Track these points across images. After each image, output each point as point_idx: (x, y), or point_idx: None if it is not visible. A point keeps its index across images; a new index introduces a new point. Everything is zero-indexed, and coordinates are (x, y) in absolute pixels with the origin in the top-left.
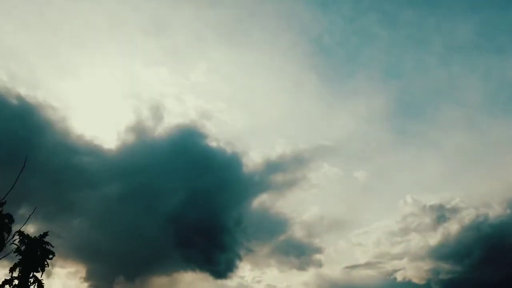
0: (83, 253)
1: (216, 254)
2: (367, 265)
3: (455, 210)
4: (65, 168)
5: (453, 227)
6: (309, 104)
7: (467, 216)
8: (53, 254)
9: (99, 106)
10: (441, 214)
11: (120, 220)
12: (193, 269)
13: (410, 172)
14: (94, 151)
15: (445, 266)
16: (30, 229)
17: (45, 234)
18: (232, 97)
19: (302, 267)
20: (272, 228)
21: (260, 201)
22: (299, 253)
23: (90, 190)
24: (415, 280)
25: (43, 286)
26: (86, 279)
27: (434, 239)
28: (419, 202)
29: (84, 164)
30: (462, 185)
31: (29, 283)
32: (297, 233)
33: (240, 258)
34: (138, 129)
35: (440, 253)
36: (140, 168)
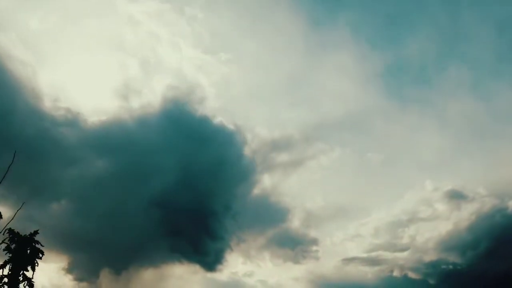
0: (64, 241)
1: (206, 244)
2: (366, 259)
3: (462, 196)
4: (38, 140)
5: (462, 215)
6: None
7: (479, 204)
8: (43, 253)
9: (78, 60)
10: (449, 200)
11: (104, 204)
12: (182, 261)
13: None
14: (74, 122)
15: (449, 258)
16: None
17: (36, 232)
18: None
19: (298, 260)
20: (269, 216)
21: (260, 185)
22: (295, 245)
23: (69, 168)
24: (412, 275)
25: (33, 284)
26: (69, 270)
27: (441, 229)
28: (426, 188)
29: (61, 136)
30: (475, 168)
31: (19, 281)
32: (296, 222)
33: (231, 249)
34: (125, 94)
35: (445, 245)
36: (127, 143)
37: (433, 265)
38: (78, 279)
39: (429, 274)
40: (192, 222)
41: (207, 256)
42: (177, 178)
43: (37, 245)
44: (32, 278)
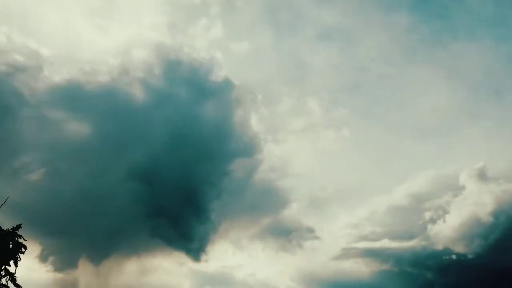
0: (32, 224)
1: (194, 230)
2: (365, 250)
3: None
4: None
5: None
6: None
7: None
8: (25, 248)
9: None
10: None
11: (78, 179)
12: (167, 248)
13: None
14: (37, 66)
15: (453, 249)
16: None
17: (18, 226)
18: None
19: (293, 252)
20: (267, 201)
21: (261, 163)
22: (291, 234)
23: (36, 129)
24: (410, 269)
25: (15, 279)
26: (43, 259)
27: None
28: (429, 176)
29: (22, 86)
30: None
31: (1, 276)
32: (295, 209)
33: (221, 237)
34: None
35: (451, 236)
36: (108, 106)
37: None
38: (56, 269)
39: (434, 267)
40: (179, 204)
41: (194, 243)
42: (165, 147)
43: (19, 239)
44: (15, 273)
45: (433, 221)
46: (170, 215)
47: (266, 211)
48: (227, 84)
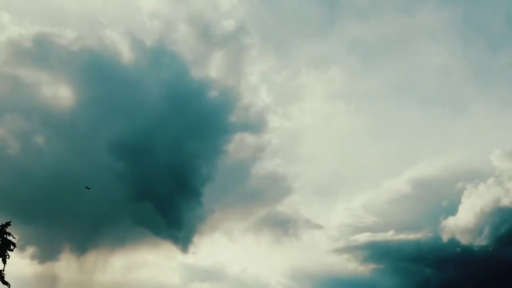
0: (6, 208)
1: (183, 218)
2: (366, 243)
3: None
4: None
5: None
6: None
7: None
8: (14, 245)
9: None
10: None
11: (56, 153)
12: (155, 239)
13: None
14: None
15: (459, 241)
16: None
17: (7, 224)
18: None
19: (288, 245)
20: (266, 191)
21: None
22: (288, 227)
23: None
24: (407, 264)
25: (4, 277)
26: (21, 248)
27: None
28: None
29: None
30: None
31: None
32: (294, 200)
33: (213, 228)
34: None
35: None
36: (90, 70)
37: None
38: (36, 258)
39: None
40: (168, 187)
41: (182, 232)
42: (155, 117)
43: (8, 237)
44: (3, 270)
45: (447, 210)
46: (157, 199)
47: (266, 200)
48: (238, 31)
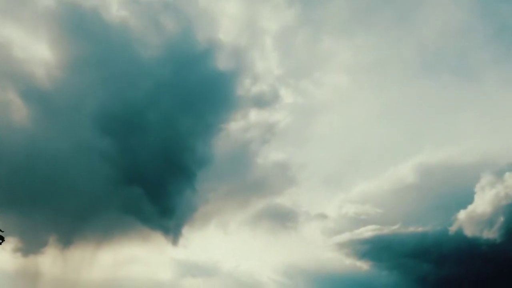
0: None
1: (174, 206)
2: (370, 237)
3: None
4: None
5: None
6: None
7: None
8: (3, 239)
9: None
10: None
11: (36, 135)
12: (144, 230)
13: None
14: None
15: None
16: None
17: None
18: None
19: (288, 238)
20: (267, 182)
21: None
22: (287, 220)
23: None
24: (405, 260)
25: None
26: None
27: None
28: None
29: None
30: None
31: None
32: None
33: (205, 220)
34: None
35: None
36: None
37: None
38: (20, 249)
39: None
40: (159, 169)
41: (173, 221)
42: (145, 89)
43: None
44: None
45: (459, 201)
46: (148, 183)
47: (267, 190)
48: None
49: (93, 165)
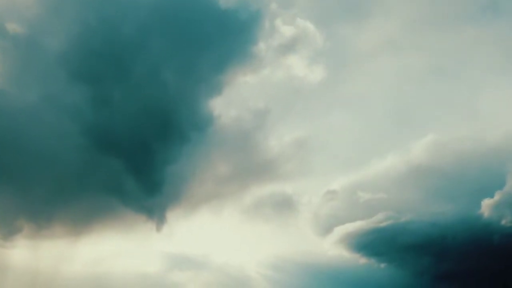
0: None
1: (159, 182)
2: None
3: None
4: None
5: None
6: None
7: None
8: None
9: None
10: None
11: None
12: (126, 212)
13: None
14: None
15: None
16: None
17: None
18: None
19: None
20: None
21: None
22: (289, 209)
23: None
24: (403, 254)
25: None
26: None
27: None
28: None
29: None
30: None
31: None
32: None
33: (196, 205)
34: None
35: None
36: None
37: None
38: None
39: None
40: (144, 135)
41: (157, 202)
42: (138, 32)
43: None
44: None
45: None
46: (129, 154)
47: (271, 175)
48: None
49: (62, 124)
